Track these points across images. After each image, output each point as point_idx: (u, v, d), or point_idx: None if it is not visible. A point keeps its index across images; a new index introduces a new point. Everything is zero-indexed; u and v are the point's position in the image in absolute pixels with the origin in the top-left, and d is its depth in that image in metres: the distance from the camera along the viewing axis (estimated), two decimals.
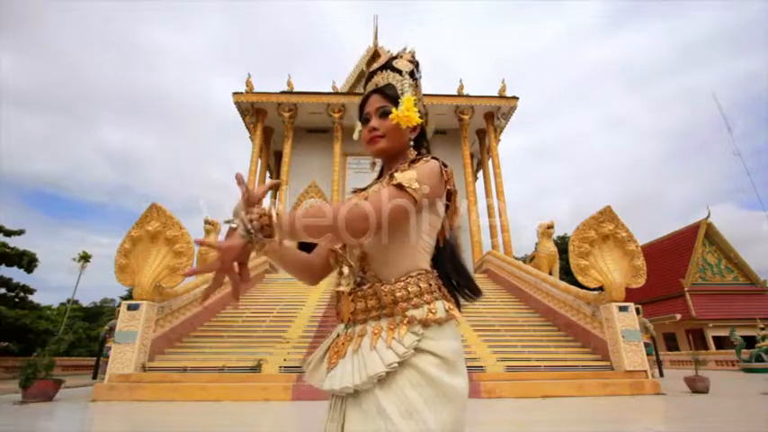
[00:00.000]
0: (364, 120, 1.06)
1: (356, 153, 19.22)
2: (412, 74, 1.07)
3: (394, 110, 0.98)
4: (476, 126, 19.31)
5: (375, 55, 22.28)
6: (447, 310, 0.89)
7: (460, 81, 19.35)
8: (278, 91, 18.21)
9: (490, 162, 18.80)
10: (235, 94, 17.59)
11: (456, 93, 19.05)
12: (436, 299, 0.90)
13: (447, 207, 0.99)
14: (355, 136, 1.12)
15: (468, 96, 18.58)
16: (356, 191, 1.08)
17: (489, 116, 18.52)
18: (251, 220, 0.75)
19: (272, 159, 21.18)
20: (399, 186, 0.85)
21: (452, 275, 1.03)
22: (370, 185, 1.06)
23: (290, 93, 18.43)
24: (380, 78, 1.08)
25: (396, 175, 0.88)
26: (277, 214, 0.76)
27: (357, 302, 0.91)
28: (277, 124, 18.66)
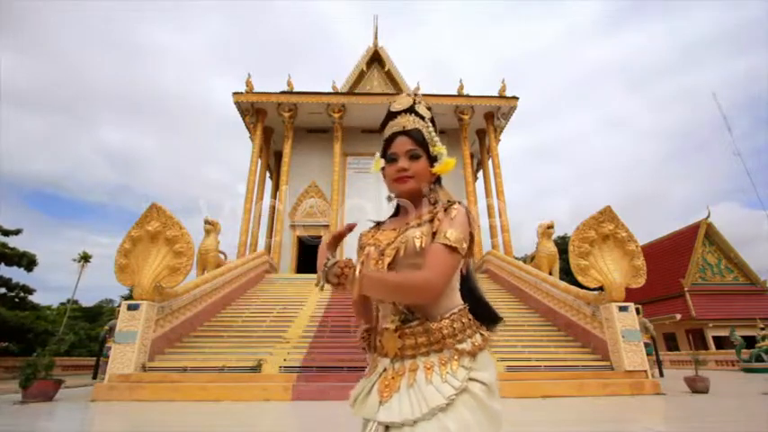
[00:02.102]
0: (390, 158, 1.11)
1: (356, 153, 19.22)
2: (432, 120, 1.17)
3: (424, 158, 1.09)
4: (476, 126, 19.32)
5: (375, 55, 22.28)
6: (483, 338, 1.00)
7: (460, 81, 19.35)
8: (278, 91, 18.20)
9: (490, 162, 18.80)
10: (235, 94, 17.59)
11: (456, 93, 19.05)
12: (475, 332, 1.00)
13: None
14: (374, 169, 1.18)
15: (468, 96, 18.57)
16: (376, 225, 1.16)
17: (489, 116, 18.52)
18: (335, 265, 0.90)
19: (272, 159, 21.18)
20: (453, 249, 0.95)
21: (472, 305, 1.10)
22: (389, 223, 1.14)
23: (290, 93, 18.42)
24: (406, 121, 1.13)
25: (448, 236, 0.96)
26: (359, 272, 0.88)
27: (406, 339, 0.98)
28: (277, 124, 18.65)
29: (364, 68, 22.06)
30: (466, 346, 0.96)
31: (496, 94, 18.43)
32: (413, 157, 1.08)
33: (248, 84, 17.80)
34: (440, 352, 0.95)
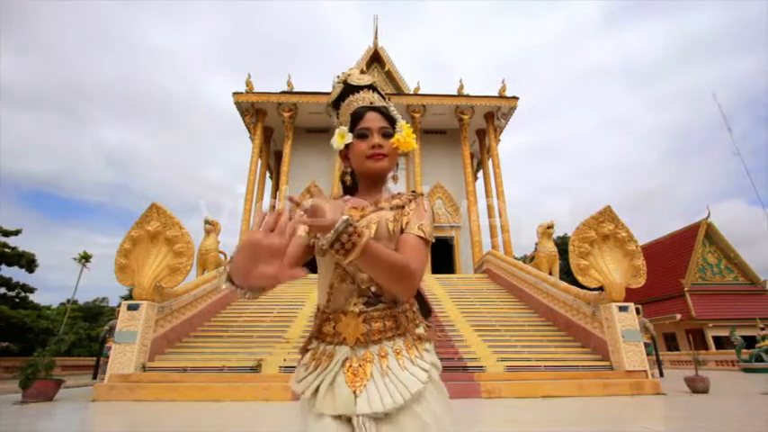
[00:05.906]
0: (360, 134, 1.04)
1: None
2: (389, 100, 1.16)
3: (397, 135, 1.05)
4: (476, 126, 19.31)
5: (375, 55, 22.29)
6: (428, 326, 1.03)
7: (460, 81, 19.36)
8: (278, 91, 18.21)
9: (490, 162, 18.80)
10: (235, 94, 17.60)
11: (456, 93, 19.05)
12: (422, 320, 1.03)
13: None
14: (337, 144, 1.06)
15: (468, 96, 18.57)
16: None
17: (489, 116, 18.52)
18: (350, 224, 0.75)
19: (272, 159, 21.18)
20: (428, 242, 0.95)
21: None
22: (348, 201, 1.05)
23: (290, 93, 18.43)
24: (372, 98, 1.08)
25: (423, 229, 0.95)
26: (366, 239, 0.77)
27: (373, 323, 0.93)
28: (277, 124, 18.66)
29: (364, 68, 22.05)
30: (421, 331, 0.98)
31: (496, 94, 18.43)
32: (385, 135, 1.04)
33: (248, 84, 17.81)
34: (403, 336, 0.94)
